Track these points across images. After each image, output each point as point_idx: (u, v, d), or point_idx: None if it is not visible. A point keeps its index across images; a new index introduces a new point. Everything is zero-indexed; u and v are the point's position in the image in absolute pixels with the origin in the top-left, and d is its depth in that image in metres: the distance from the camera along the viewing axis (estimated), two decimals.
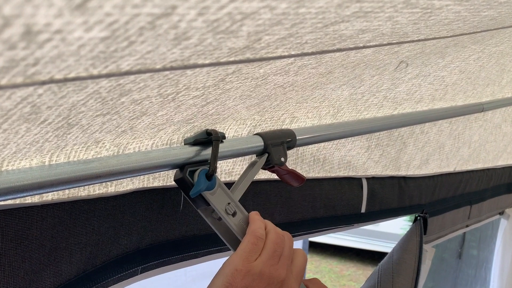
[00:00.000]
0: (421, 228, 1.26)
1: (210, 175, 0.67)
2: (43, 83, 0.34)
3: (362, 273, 4.84)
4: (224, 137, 0.73)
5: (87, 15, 0.25)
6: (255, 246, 0.65)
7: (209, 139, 0.69)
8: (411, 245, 1.23)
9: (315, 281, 0.75)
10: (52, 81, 0.35)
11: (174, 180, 0.68)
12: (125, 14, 0.26)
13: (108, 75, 0.37)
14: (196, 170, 0.67)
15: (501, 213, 1.71)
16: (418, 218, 1.30)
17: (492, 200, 1.63)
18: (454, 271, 1.87)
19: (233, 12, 0.31)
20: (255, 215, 0.71)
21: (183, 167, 0.67)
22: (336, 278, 4.97)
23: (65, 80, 0.35)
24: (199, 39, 0.35)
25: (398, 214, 1.26)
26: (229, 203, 0.71)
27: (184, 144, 0.71)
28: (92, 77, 0.36)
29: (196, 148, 0.69)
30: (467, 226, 1.53)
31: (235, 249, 0.69)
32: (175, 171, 0.69)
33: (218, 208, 0.70)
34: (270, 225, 0.70)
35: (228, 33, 0.35)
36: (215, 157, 0.67)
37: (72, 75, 0.35)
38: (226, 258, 0.66)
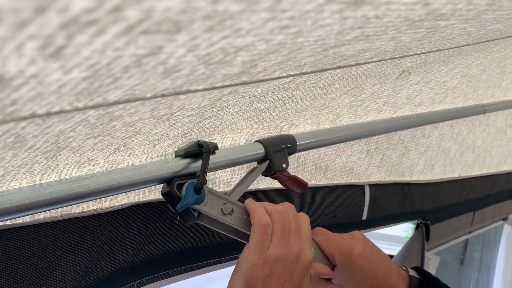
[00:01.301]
0: (423, 235, 1.24)
1: (199, 189, 0.65)
2: (25, 118, 0.32)
3: None
4: (216, 148, 0.71)
5: (63, 60, 0.23)
6: (264, 235, 0.65)
7: (200, 151, 0.67)
8: (413, 253, 1.21)
9: (317, 231, 0.78)
10: (34, 115, 0.33)
11: (161, 194, 0.66)
12: (106, 57, 0.24)
13: (94, 107, 0.35)
14: (184, 183, 0.65)
15: (505, 219, 1.68)
16: (420, 225, 1.28)
17: (496, 206, 1.61)
18: (457, 275, 1.85)
19: (226, 47, 0.29)
20: (251, 204, 0.70)
21: (170, 181, 0.65)
22: None
23: (48, 114, 0.33)
24: (191, 70, 0.33)
25: (399, 221, 1.24)
26: (224, 204, 0.69)
27: (175, 157, 0.69)
28: (77, 109, 0.34)
29: (186, 160, 0.67)
30: (469, 232, 1.51)
31: (246, 240, 0.68)
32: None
33: (214, 215, 0.68)
34: (269, 206, 0.70)
35: (221, 64, 0.33)
36: (204, 169, 0.65)
37: (56, 109, 0.33)
38: (223, 269, 0.66)
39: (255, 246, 0.65)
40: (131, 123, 0.48)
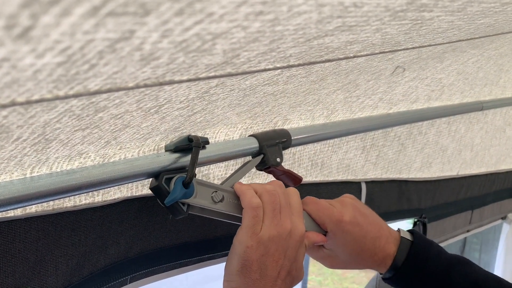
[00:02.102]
0: None
1: (188, 183, 0.65)
2: (4, 106, 0.32)
3: (365, 275, 4.82)
4: (207, 143, 0.71)
5: (33, 43, 0.23)
6: (256, 218, 0.67)
7: (190, 145, 0.67)
8: None
9: (307, 201, 0.80)
10: (14, 103, 0.33)
11: (150, 189, 0.66)
12: (78, 41, 0.24)
13: (76, 95, 0.35)
14: (172, 177, 0.65)
15: (504, 218, 1.67)
16: (418, 223, 1.27)
17: (495, 205, 1.60)
18: None
19: (201, 33, 0.29)
20: (240, 187, 0.71)
21: (158, 175, 0.65)
22: (339, 280, 4.95)
23: (29, 102, 0.33)
24: (170, 58, 0.33)
25: (396, 218, 1.24)
26: (214, 192, 0.69)
27: (165, 151, 0.69)
28: (58, 98, 0.34)
29: (176, 155, 0.67)
30: (468, 231, 1.50)
31: (240, 222, 0.70)
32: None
33: (205, 205, 0.69)
34: (258, 187, 0.71)
35: (201, 52, 0.33)
36: (193, 163, 0.65)
37: (36, 97, 0.33)
38: (219, 265, 0.67)
39: (248, 229, 0.66)
40: (119, 115, 0.48)
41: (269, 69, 0.46)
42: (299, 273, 0.71)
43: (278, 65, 0.46)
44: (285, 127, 0.88)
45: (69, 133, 0.50)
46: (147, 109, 0.50)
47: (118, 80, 0.35)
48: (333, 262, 0.82)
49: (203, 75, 0.41)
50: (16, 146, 0.48)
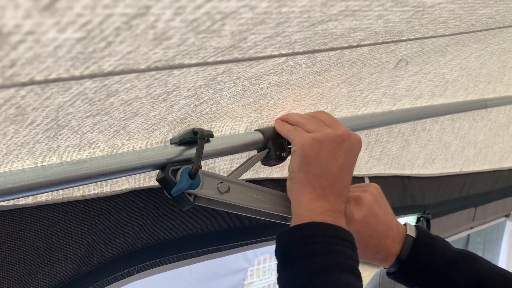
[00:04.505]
0: None
1: (193, 174, 0.66)
2: (24, 84, 0.34)
3: (368, 274, 4.81)
4: (212, 136, 0.72)
5: (57, 16, 0.24)
6: (313, 121, 0.75)
7: (194, 138, 0.69)
8: None
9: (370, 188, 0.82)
10: (33, 82, 0.34)
11: (157, 180, 0.68)
12: (98, 15, 0.26)
13: (90, 76, 0.37)
14: (179, 169, 0.67)
15: (507, 216, 1.68)
16: (421, 219, 1.28)
17: (498, 202, 1.61)
18: None
19: (212, 12, 0.30)
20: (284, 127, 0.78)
21: (165, 167, 0.67)
22: None
23: (46, 81, 0.35)
24: (181, 39, 0.34)
25: (400, 214, 1.25)
26: (220, 183, 0.71)
27: (171, 144, 0.71)
28: (74, 78, 0.36)
29: (182, 147, 0.69)
30: (471, 228, 1.51)
31: (246, 212, 0.73)
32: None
33: (211, 195, 0.70)
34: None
35: (210, 33, 0.35)
36: (199, 155, 0.67)
37: (53, 76, 0.34)
38: (221, 262, 0.67)
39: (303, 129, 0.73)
40: (129, 102, 0.50)
41: (275, 56, 0.48)
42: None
43: (283, 52, 0.48)
44: None
45: (80, 119, 0.51)
46: (156, 95, 0.51)
47: (131, 61, 0.36)
48: None
49: (211, 59, 0.42)
50: (30, 131, 0.49)
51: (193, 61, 0.41)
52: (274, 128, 0.84)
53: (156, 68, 0.40)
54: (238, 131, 0.83)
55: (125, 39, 0.31)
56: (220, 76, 0.51)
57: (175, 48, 0.36)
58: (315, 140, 0.69)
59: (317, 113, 0.77)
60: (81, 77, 0.36)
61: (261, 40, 0.41)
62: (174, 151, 0.69)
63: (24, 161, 0.59)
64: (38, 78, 0.34)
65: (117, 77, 0.40)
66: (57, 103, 0.42)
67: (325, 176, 0.68)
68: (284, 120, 0.78)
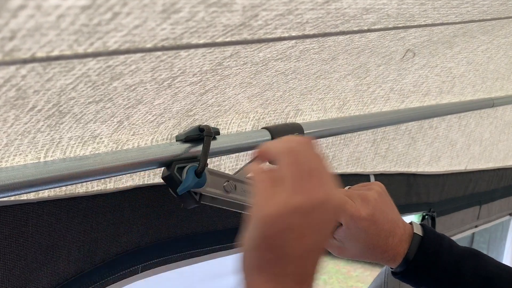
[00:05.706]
0: None
1: (200, 172, 0.65)
2: (25, 61, 0.32)
3: (370, 274, 4.80)
4: (218, 133, 0.71)
5: None
6: (275, 180, 0.48)
7: (201, 135, 0.67)
8: None
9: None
10: (34, 59, 0.32)
11: (162, 178, 0.66)
12: None
13: (95, 54, 0.35)
14: (185, 167, 0.65)
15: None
16: (426, 217, 1.26)
17: (503, 201, 1.59)
18: None
19: None
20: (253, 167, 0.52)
21: (171, 164, 0.65)
22: (344, 279, 4.92)
23: (48, 58, 0.33)
24: (190, 12, 0.32)
25: (405, 211, 1.23)
26: (227, 181, 0.69)
27: (176, 141, 0.69)
28: (77, 56, 0.34)
29: (187, 145, 0.67)
30: (476, 226, 1.49)
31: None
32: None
33: (217, 194, 0.68)
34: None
35: (221, 6, 0.33)
36: (205, 153, 0.65)
37: (56, 53, 0.33)
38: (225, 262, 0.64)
39: (263, 194, 0.48)
40: (133, 87, 0.48)
41: (285, 38, 0.46)
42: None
43: (293, 34, 0.46)
44: (297, 119, 0.88)
45: (83, 106, 0.49)
46: (161, 80, 0.49)
47: (137, 38, 0.34)
48: (341, 252, 0.81)
49: (220, 39, 0.41)
50: (31, 117, 0.47)
51: (201, 41, 0.40)
52: (281, 125, 0.82)
53: (163, 48, 0.38)
54: (245, 128, 0.81)
55: (132, 10, 0.29)
56: (227, 60, 0.49)
57: (184, 24, 0.34)
58: (281, 215, 0.46)
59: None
60: (85, 55, 0.35)
61: (272, 18, 0.39)
62: (179, 148, 0.67)
63: (27, 155, 0.57)
64: (40, 54, 0.32)
65: (122, 57, 0.38)
66: (59, 85, 0.40)
67: (284, 261, 0.47)
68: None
